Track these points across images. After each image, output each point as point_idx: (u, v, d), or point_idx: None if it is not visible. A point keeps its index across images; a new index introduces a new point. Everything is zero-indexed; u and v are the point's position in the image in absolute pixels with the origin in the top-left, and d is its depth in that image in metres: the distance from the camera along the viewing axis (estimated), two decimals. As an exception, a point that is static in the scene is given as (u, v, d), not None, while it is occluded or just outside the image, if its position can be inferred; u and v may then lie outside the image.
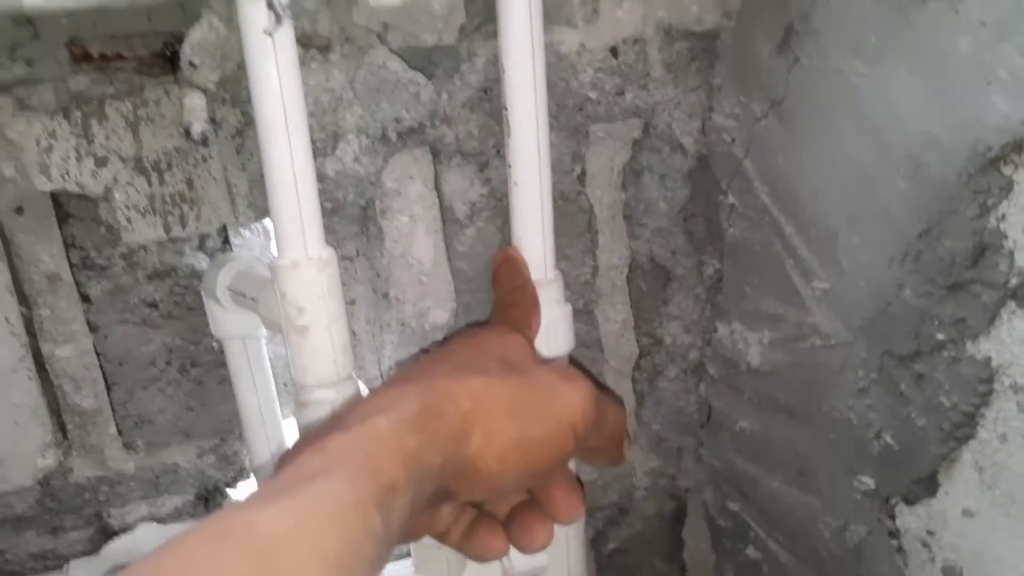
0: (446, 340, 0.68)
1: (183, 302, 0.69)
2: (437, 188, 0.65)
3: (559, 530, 0.67)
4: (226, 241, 0.72)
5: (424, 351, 0.70)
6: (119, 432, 0.70)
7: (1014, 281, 0.45)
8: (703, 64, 0.66)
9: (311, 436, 0.42)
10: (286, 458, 0.43)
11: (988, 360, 0.47)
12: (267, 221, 0.73)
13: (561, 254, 0.66)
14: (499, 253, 0.60)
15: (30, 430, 0.66)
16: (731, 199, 0.66)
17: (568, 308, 0.63)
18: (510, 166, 0.59)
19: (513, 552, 0.67)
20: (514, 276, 0.59)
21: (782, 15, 0.57)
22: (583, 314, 0.72)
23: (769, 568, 0.71)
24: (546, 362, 0.58)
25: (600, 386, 0.55)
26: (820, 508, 0.64)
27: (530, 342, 0.57)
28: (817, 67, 0.55)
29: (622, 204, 0.71)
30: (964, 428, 0.49)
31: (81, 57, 0.57)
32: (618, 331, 0.74)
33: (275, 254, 0.55)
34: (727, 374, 0.71)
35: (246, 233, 0.73)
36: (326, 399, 0.56)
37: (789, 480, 0.67)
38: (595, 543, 0.81)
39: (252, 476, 0.76)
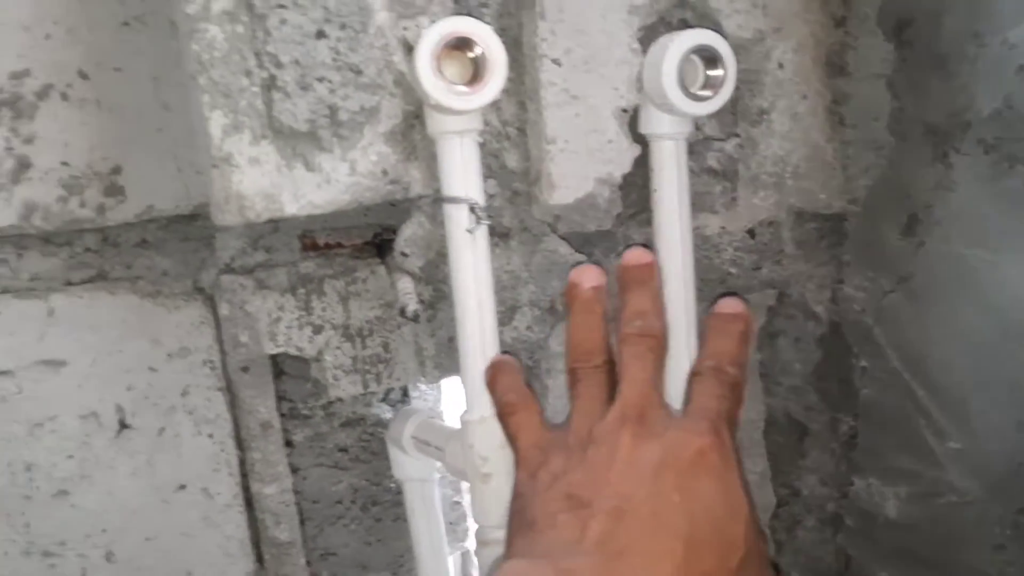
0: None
1: (369, 447, 0.79)
2: (595, 352, 0.74)
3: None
4: (405, 394, 0.83)
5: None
6: (308, 563, 0.79)
7: None
8: (832, 242, 0.74)
9: None
10: None
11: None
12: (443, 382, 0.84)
13: (705, 410, 0.74)
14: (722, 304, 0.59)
15: (238, 559, 0.76)
16: (863, 363, 0.73)
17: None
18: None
19: None
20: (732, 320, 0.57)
21: (906, 204, 0.65)
22: (725, 465, 0.78)
23: None
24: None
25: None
26: (963, 661, 0.67)
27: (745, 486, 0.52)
28: (941, 251, 0.63)
29: (758, 363, 0.78)
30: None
31: (310, 246, 0.70)
32: (756, 482, 0.80)
33: (442, 406, 0.65)
34: (865, 526, 0.76)
35: (422, 386, 0.83)
36: (503, 539, 0.64)
37: (931, 632, 0.70)
38: None
39: (419, 608, 0.83)
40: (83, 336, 0.68)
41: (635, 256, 0.59)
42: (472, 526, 0.68)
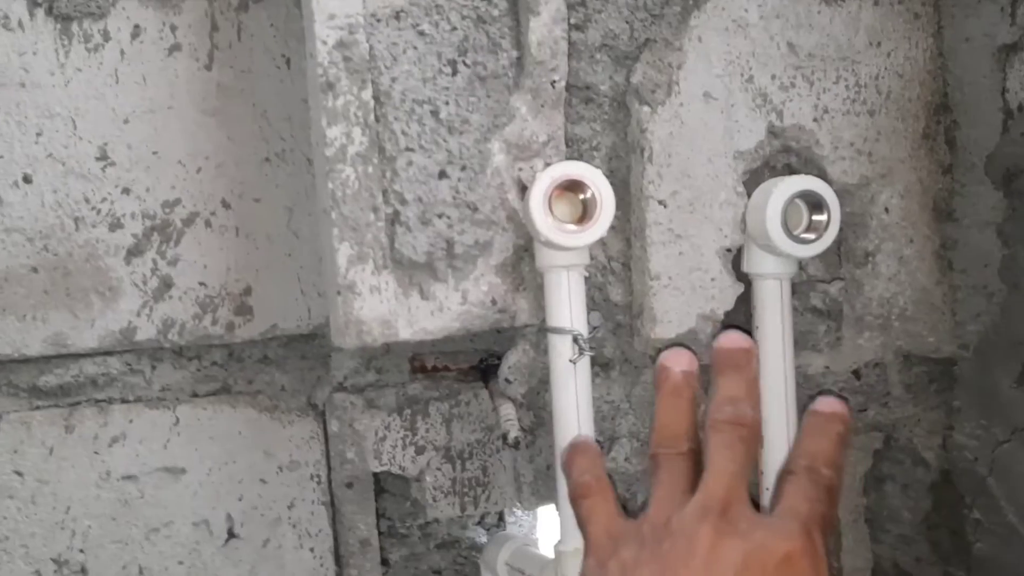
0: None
1: (463, 571, 0.80)
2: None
3: None
4: (501, 518, 0.83)
5: None
6: None
7: None
8: (942, 386, 0.73)
9: None
10: None
11: None
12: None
13: None
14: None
15: (328, 677, 0.76)
16: (976, 514, 0.70)
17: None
18: (762, 473, 0.67)
19: None
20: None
21: (1020, 353, 0.64)
22: (828, 615, 0.75)
23: None
24: None
25: None
26: None
27: None
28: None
29: (863, 509, 0.76)
30: None
31: (419, 369, 0.73)
32: (863, 635, 0.76)
33: (537, 533, 0.65)
34: None
35: (518, 512, 0.84)
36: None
37: None
38: None
39: None
40: (203, 446, 0.72)
41: (732, 339, 0.55)
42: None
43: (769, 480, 0.61)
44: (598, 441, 0.65)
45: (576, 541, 0.64)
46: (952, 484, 0.73)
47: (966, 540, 0.72)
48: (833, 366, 0.73)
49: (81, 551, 0.70)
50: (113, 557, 0.71)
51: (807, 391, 0.72)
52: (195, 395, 0.73)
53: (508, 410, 0.67)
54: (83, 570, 0.71)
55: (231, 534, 0.73)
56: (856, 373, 0.73)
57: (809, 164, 0.68)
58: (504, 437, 0.64)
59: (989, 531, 0.69)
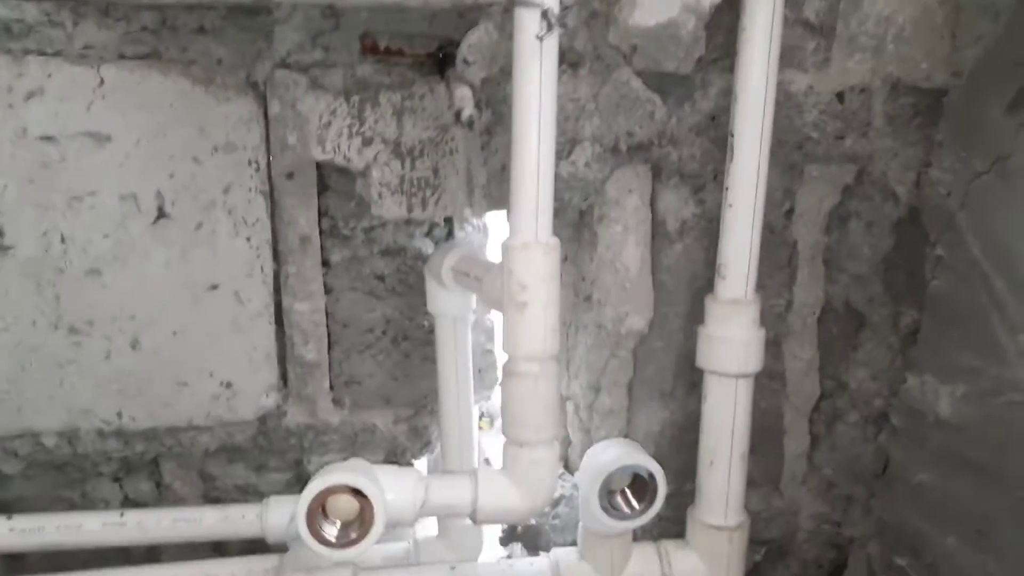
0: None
1: (406, 280, 0.77)
2: (652, 204, 0.70)
3: (723, 546, 0.69)
4: (450, 233, 0.80)
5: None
6: (331, 388, 0.78)
7: None
8: (925, 120, 0.69)
9: None
10: None
11: None
12: (488, 219, 0.81)
13: (759, 283, 0.69)
14: None
15: (262, 370, 0.75)
16: (938, 251, 0.68)
17: (762, 332, 0.66)
18: (727, 188, 0.64)
19: (673, 558, 0.70)
20: None
21: (1017, 76, 0.59)
22: (771, 345, 0.74)
23: (931, 629, 0.70)
24: None
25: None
26: (996, 570, 0.63)
27: None
28: (1049, 126, 0.57)
29: (824, 247, 0.73)
30: None
31: (370, 49, 0.66)
32: (803, 369, 0.76)
33: (486, 247, 0.62)
34: (911, 425, 0.72)
35: (468, 227, 0.80)
36: (530, 372, 0.62)
37: (965, 538, 0.66)
38: (748, 580, 0.82)
39: (437, 450, 0.82)
40: (131, 113, 0.66)
41: None
42: (500, 362, 0.66)
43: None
44: (558, 142, 0.60)
45: (525, 236, 0.61)
46: (918, 222, 0.70)
47: (922, 279, 0.70)
48: (817, 86, 0.68)
49: (-2, 214, 0.66)
50: (32, 222, 0.67)
51: (786, 111, 0.68)
52: (122, 56, 0.66)
53: (464, 92, 0.62)
54: (0, 232, 0.66)
55: (161, 213, 0.69)
56: (840, 96, 0.68)
57: None
58: (457, 115, 0.59)
59: (948, 267, 0.67)
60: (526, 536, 0.84)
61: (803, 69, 0.67)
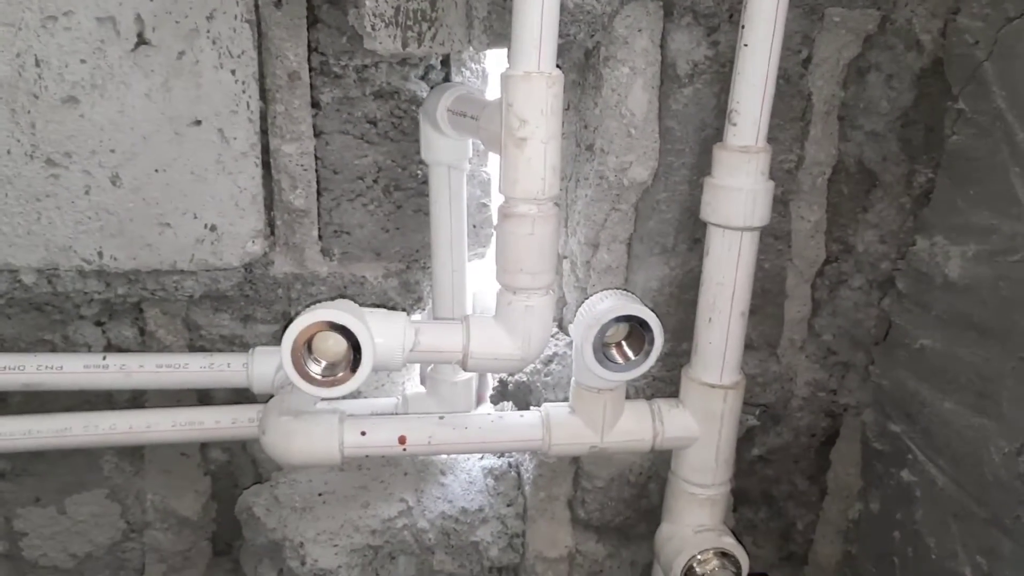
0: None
1: (400, 125, 0.73)
2: (663, 45, 0.66)
3: (717, 404, 0.68)
4: (447, 77, 0.76)
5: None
6: (320, 237, 0.76)
7: None
8: (958, -38, 0.64)
9: None
10: None
11: None
12: (487, 62, 0.77)
13: (771, 135, 0.66)
14: None
15: (248, 214, 0.72)
16: (960, 104, 0.64)
17: (770, 184, 0.63)
18: (743, 27, 0.60)
19: (666, 416, 0.69)
20: None
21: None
22: (779, 203, 0.71)
23: (923, 492, 0.70)
24: None
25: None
26: (995, 431, 0.62)
27: None
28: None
29: (839, 102, 0.70)
30: None
31: None
32: (809, 231, 0.73)
33: (500, 73, 0.58)
34: (917, 289, 0.70)
35: (465, 72, 0.76)
36: (528, 213, 0.59)
37: (965, 402, 0.65)
38: (740, 446, 0.81)
39: (429, 306, 0.80)
40: (105, -75, 0.62)
41: None
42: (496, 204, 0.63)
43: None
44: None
45: (527, 65, 0.57)
46: (940, 76, 0.67)
47: (940, 136, 0.67)
48: (845, -80, 0.63)
49: (-34, 32, 0.62)
50: (5, 42, 0.63)
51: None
52: None
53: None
54: (-32, 50, 0.63)
55: (141, 39, 0.65)
56: (868, -68, 0.63)
57: None
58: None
59: (970, 121, 0.64)
60: (517, 394, 0.83)
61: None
